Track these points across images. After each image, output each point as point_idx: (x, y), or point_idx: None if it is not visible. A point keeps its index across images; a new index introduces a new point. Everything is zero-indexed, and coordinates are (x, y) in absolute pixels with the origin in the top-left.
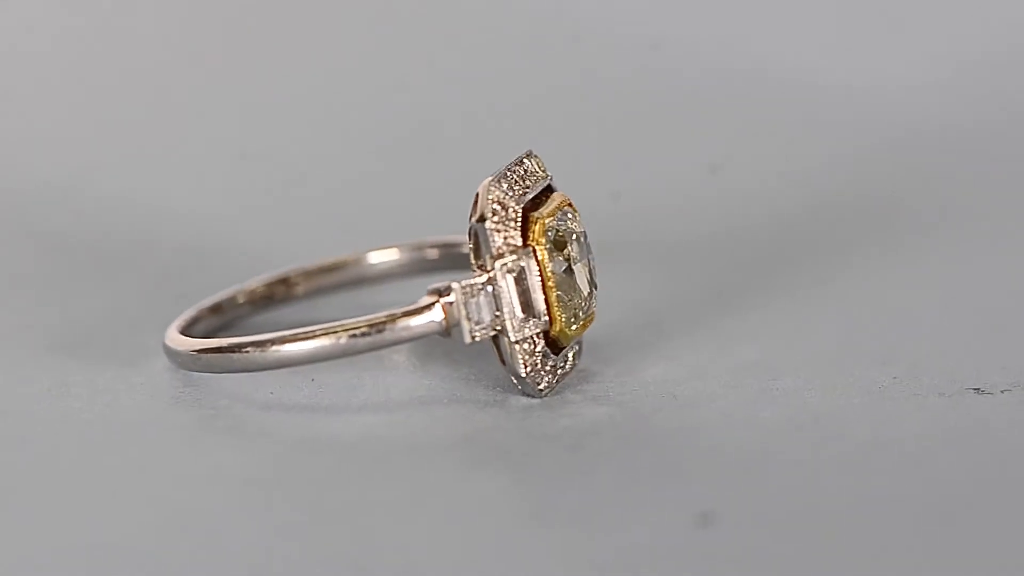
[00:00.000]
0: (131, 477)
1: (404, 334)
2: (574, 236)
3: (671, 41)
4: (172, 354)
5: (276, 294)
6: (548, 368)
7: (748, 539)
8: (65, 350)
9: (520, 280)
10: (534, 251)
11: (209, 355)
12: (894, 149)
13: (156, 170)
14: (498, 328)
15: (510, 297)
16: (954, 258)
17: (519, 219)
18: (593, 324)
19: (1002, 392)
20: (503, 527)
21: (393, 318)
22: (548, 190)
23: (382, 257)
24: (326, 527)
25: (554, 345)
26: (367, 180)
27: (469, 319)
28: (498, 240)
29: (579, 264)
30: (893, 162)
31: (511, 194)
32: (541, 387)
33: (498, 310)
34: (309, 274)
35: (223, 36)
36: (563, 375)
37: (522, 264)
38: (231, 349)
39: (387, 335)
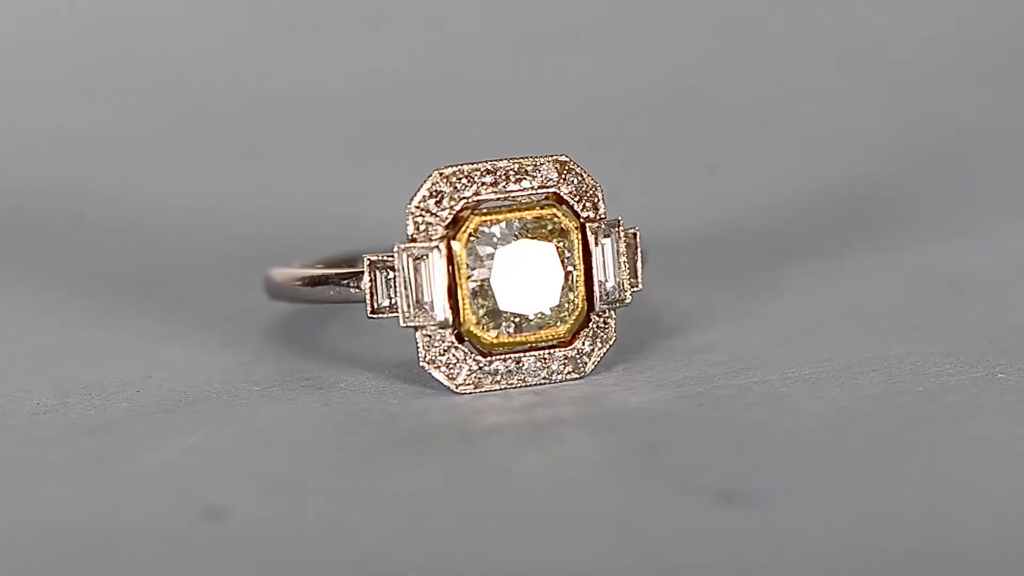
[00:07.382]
0: None
1: (332, 294)
2: None
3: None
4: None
5: None
6: (472, 367)
7: None
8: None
9: (420, 270)
10: (449, 245)
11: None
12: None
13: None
14: (392, 311)
15: (401, 283)
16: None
17: (452, 211)
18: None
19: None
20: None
21: (326, 278)
22: (549, 198)
23: None
24: None
25: (473, 341)
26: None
27: (372, 295)
28: (411, 226)
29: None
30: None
31: (456, 188)
32: (457, 383)
33: (393, 293)
34: None
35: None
36: (522, 382)
37: (425, 254)
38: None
39: (317, 292)
